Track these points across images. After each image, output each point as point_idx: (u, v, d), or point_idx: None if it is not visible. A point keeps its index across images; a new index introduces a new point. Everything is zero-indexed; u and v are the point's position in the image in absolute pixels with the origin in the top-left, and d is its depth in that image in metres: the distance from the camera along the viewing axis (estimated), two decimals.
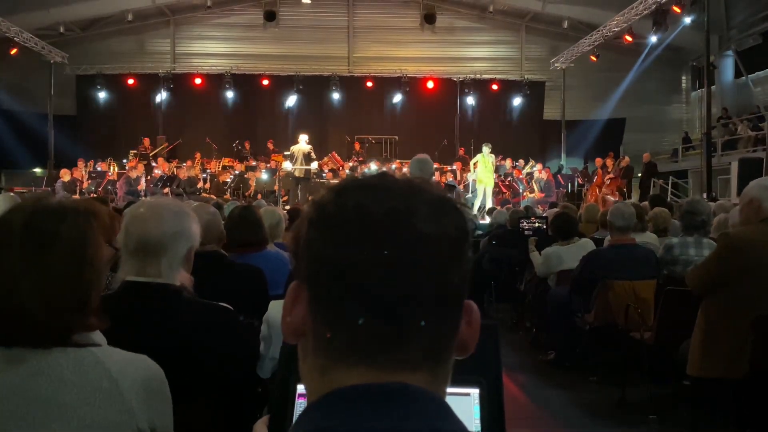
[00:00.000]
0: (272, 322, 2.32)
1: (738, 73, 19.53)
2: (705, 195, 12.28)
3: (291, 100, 20.25)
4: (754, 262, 3.03)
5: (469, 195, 15.54)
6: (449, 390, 0.69)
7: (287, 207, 10.93)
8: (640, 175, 16.89)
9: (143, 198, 12.72)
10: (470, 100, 20.68)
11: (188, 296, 1.90)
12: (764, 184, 3.19)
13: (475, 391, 1.11)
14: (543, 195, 15.83)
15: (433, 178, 6.05)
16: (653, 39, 16.75)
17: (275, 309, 2.36)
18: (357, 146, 19.07)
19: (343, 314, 0.64)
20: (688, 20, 15.02)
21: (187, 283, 1.92)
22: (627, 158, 15.90)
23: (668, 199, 12.15)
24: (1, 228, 1.30)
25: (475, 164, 15.11)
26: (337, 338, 0.64)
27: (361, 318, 0.63)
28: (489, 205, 13.92)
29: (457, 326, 0.68)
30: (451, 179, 15.85)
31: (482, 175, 14.58)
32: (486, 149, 14.59)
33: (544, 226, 7.05)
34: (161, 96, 20.28)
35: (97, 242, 1.35)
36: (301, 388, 1.01)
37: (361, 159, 18.34)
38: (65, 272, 1.27)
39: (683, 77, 22.27)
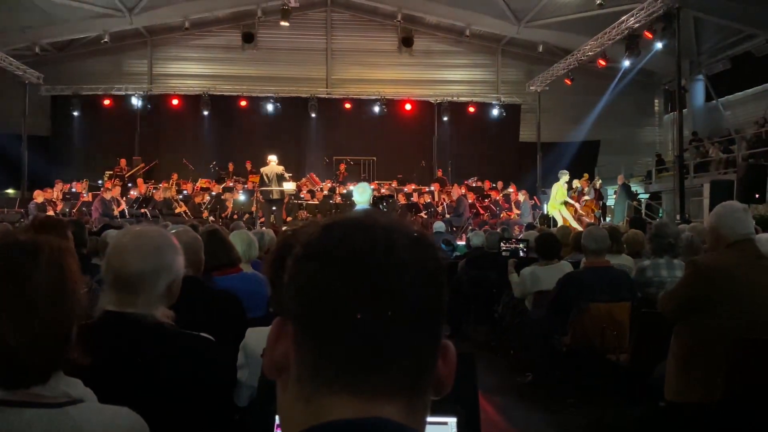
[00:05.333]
0: (249, 350, 2.29)
1: (708, 97, 19.97)
2: (678, 216, 12.48)
3: (269, 122, 20.26)
4: (722, 288, 3.08)
5: (448, 216, 15.61)
6: (427, 419, 0.71)
7: (264, 228, 10.86)
8: (614, 196, 17.12)
9: (121, 221, 12.59)
10: (447, 123, 20.87)
11: (167, 326, 1.87)
12: (721, 212, 3.23)
13: (452, 420, 1.12)
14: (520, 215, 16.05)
15: (371, 197, 6.70)
16: (626, 63, 17.10)
17: (252, 336, 2.34)
18: (342, 167, 19.09)
19: (328, 342, 0.67)
20: (659, 45, 15.37)
21: (166, 317, 1.88)
22: (599, 181, 16.18)
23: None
24: None
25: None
26: (322, 366, 0.67)
27: (346, 345, 0.66)
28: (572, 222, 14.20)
29: (434, 358, 0.71)
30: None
31: (554, 201, 14.91)
32: (564, 178, 14.80)
33: (524, 248, 7.09)
34: (138, 117, 20.16)
35: (75, 273, 1.32)
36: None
37: (340, 180, 18.34)
38: (45, 306, 1.24)
39: (656, 100, 22.73)
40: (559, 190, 14.80)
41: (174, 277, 1.90)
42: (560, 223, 14.24)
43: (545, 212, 16.97)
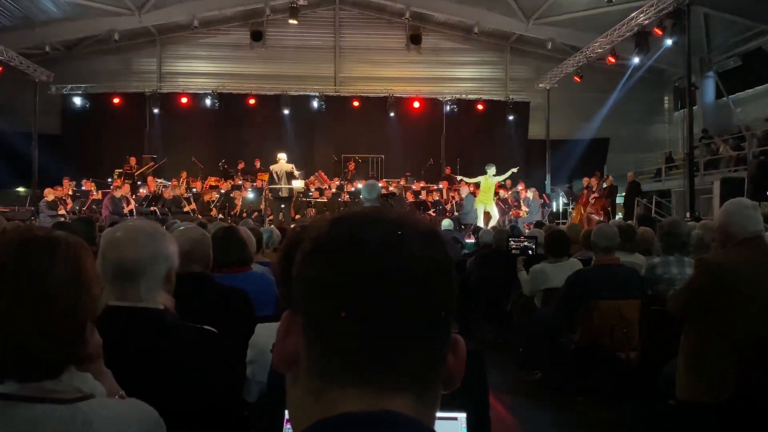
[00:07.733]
0: (259, 346, 2.30)
1: (719, 94, 19.84)
2: (688, 214, 12.40)
3: (278, 120, 20.30)
4: (732, 287, 3.05)
5: (456, 214, 15.59)
6: (437, 414, 0.71)
7: (272, 226, 10.88)
8: (624, 194, 17.04)
9: (130, 219, 12.62)
10: (456, 120, 20.82)
11: (171, 319, 1.88)
12: (730, 209, 3.21)
13: (462, 416, 1.12)
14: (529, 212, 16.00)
15: (379, 194, 6.68)
16: (636, 60, 17.01)
17: (262, 332, 2.35)
18: (351, 165, 19.12)
19: (337, 336, 0.67)
20: (669, 42, 15.28)
21: (169, 305, 1.90)
22: (610, 178, 16.07)
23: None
24: None
25: (475, 184, 15.15)
26: (331, 360, 0.67)
27: (354, 339, 0.66)
28: (495, 221, 14.01)
29: (444, 353, 0.71)
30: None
31: (482, 196, 14.60)
32: (490, 171, 14.56)
33: (533, 246, 7.07)
34: (147, 115, 20.25)
35: (92, 269, 1.34)
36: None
37: (349, 177, 18.36)
38: (62, 302, 1.25)
39: (665, 98, 22.60)
40: (484, 182, 14.49)
41: (172, 265, 1.92)
42: (479, 219, 14.07)
43: (553, 209, 16.91)
